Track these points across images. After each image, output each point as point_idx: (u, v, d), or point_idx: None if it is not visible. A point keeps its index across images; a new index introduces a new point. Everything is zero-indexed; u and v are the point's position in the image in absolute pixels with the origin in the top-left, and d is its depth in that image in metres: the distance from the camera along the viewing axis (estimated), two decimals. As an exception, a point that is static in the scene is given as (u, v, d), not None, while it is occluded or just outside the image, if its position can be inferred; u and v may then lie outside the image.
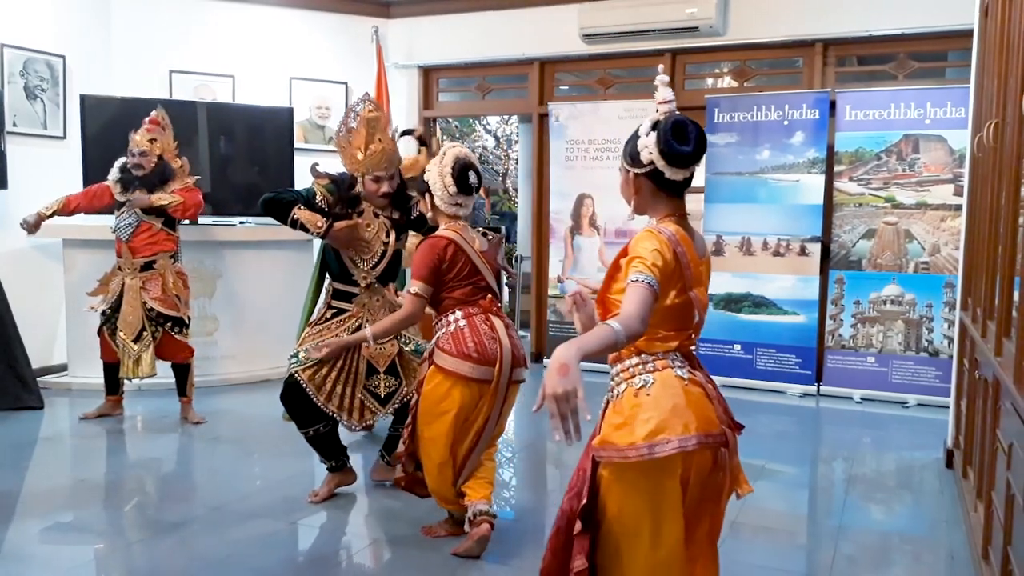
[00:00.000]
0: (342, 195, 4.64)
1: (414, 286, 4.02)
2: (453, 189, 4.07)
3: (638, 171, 2.47)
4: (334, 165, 4.83)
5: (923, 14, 7.31)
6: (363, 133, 4.54)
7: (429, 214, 4.24)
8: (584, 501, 2.41)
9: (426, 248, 4.09)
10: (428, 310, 4.22)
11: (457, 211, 4.16)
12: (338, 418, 4.62)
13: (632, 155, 2.48)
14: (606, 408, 2.48)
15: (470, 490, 4.14)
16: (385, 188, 4.61)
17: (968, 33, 5.63)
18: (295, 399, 4.58)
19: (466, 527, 4.13)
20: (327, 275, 4.83)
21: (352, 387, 4.62)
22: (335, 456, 4.87)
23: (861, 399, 7.42)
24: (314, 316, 4.80)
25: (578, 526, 2.41)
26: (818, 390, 7.64)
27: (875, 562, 4.23)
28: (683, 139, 2.39)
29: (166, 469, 5.39)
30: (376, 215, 4.70)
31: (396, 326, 4.14)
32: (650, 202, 2.52)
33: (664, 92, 2.47)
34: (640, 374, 2.41)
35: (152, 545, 4.24)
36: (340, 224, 4.55)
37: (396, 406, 4.71)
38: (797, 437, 6.39)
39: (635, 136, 2.49)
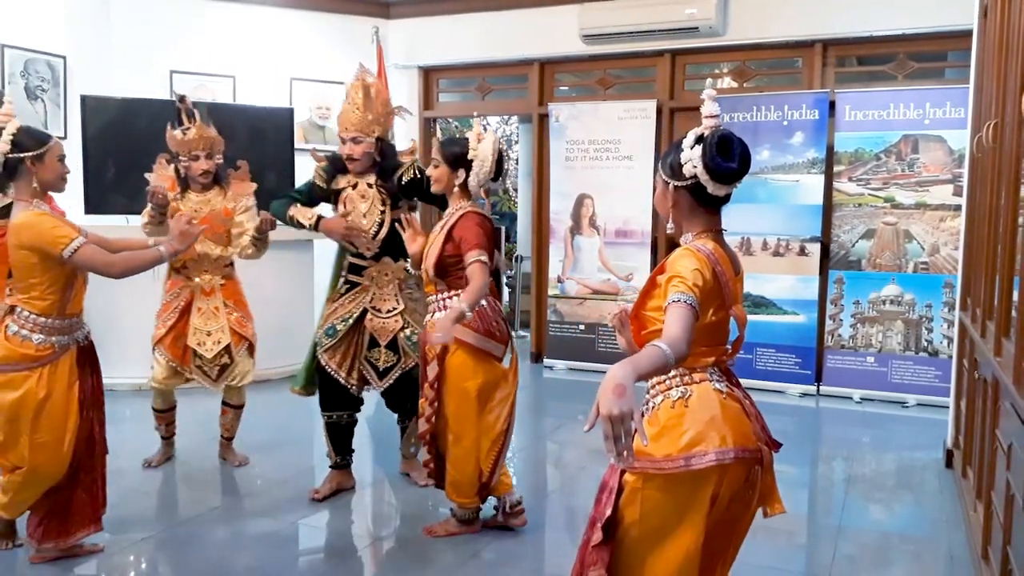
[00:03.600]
0: (335, 168, 4.80)
1: (481, 255, 3.99)
2: (492, 175, 4.13)
3: (678, 184, 2.43)
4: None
5: (923, 14, 7.31)
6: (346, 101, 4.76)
7: (455, 189, 4.18)
8: (609, 512, 2.38)
9: (478, 220, 4.11)
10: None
11: (480, 193, 4.23)
12: (344, 382, 4.79)
13: (673, 167, 2.44)
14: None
15: (499, 483, 4.29)
16: (346, 151, 4.69)
17: (968, 33, 5.63)
18: (322, 380, 4.86)
19: (500, 516, 4.35)
20: (344, 251, 4.97)
21: (354, 357, 4.81)
22: (342, 452, 4.97)
23: (861, 399, 7.42)
24: (332, 292, 4.95)
25: (598, 535, 2.39)
26: (818, 390, 7.64)
27: (875, 562, 4.23)
28: (728, 155, 2.36)
29: (165, 469, 5.39)
30: (370, 186, 4.77)
31: (478, 294, 3.94)
32: (687, 216, 2.48)
33: (711, 106, 2.42)
34: (677, 386, 2.39)
35: (151, 545, 4.25)
36: (328, 219, 4.70)
37: (391, 382, 4.81)
38: (797, 437, 6.39)
39: (677, 148, 2.44)
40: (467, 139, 4.16)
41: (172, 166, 5.29)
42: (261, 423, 6.37)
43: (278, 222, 4.90)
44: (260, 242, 5.21)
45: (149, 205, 4.98)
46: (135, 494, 4.95)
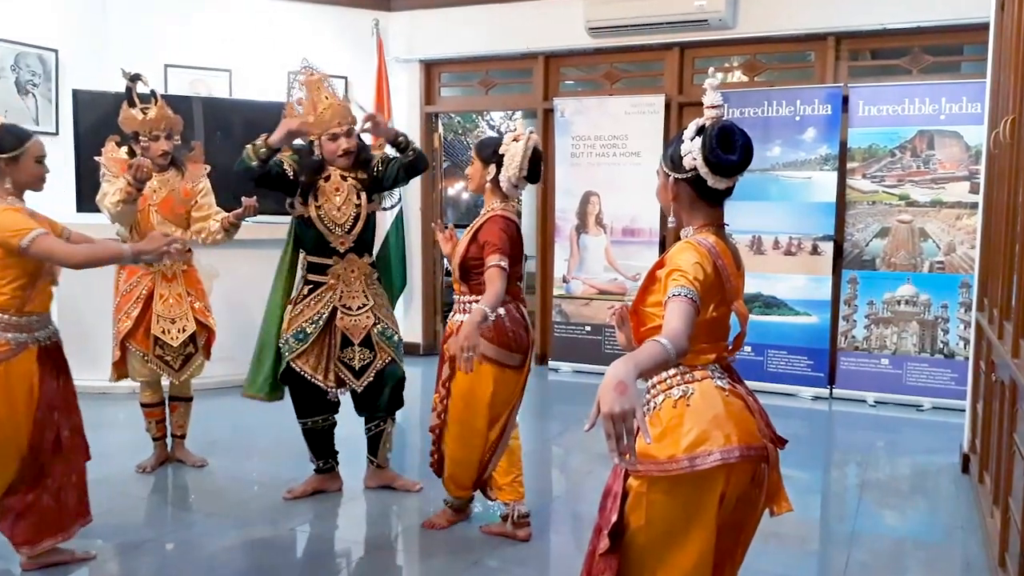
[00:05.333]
0: (305, 162, 4.76)
1: (501, 260, 4.03)
2: (525, 174, 4.20)
3: (679, 176, 2.44)
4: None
5: (938, 7, 7.30)
6: (310, 97, 4.77)
7: (487, 183, 4.26)
8: (615, 519, 2.38)
9: (503, 224, 4.16)
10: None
11: (513, 193, 4.29)
12: (323, 385, 4.77)
13: (673, 159, 2.45)
14: None
15: (509, 488, 4.34)
16: (344, 144, 4.71)
17: (984, 26, 5.63)
18: (295, 388, 4.85)
19: (508, 526, 4.37)
20: (301, 251, 4.92)
21: (329, 359, 4.79)
22: (324, 456, 5.03)
23: (875, 402, 7.42)
24: (293, 294, 4.89)
25: (605, 543, 2.38)
26: (831, 393, 7.64)
27: (889, 569, 4.24)
28: (729, 147, 2.35)
29: (161, 474, 5.40)
30: (344, 178, 4.78)
31: (497, 299, 3.96)
32: (688, 209, 2.49)
33: (713, 96, 2.43)
34: (678, 385, 2.39)
35: (146, 552, 4.27)
36: (280, 129, 4.61)
37: (370, 379, 4.83)
38: (809, 441, 6.40)
39: (678, 139, 2.45)
40: (502, 137, 4.25)
41: (123, 148, 5.21)
42: (259, 426, 6.39)
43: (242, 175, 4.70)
44: (233, 227, 5.22)
45: (125, 180, 4.81)
46: (129, 500, 4.97)
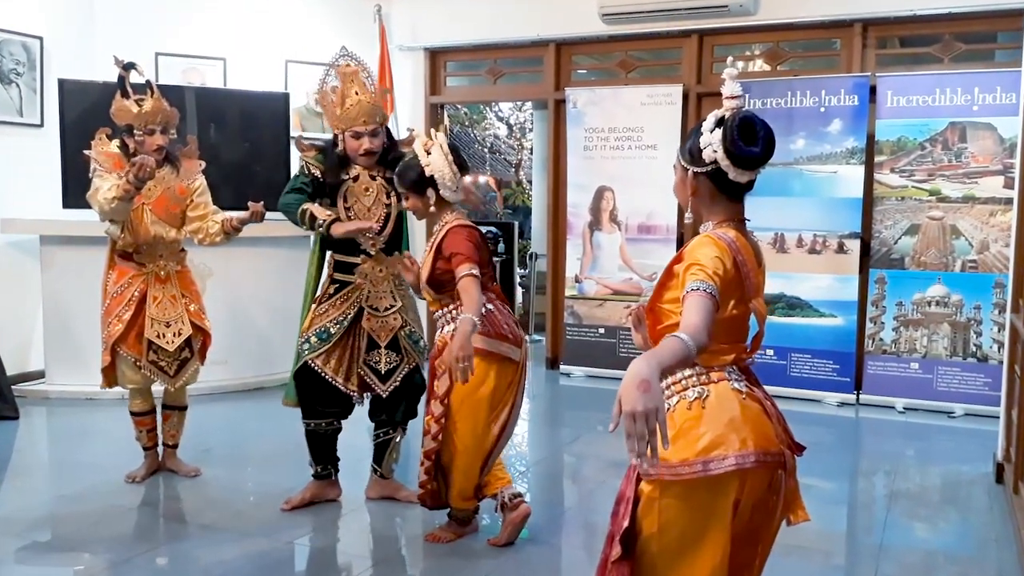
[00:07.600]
0: (329, 159, 4.75)
1: (472, 269, 4.08)
2: (459, 173, 4.27)
3: (698, 170, 2.45)
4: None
5: (971, -8, 7.30)
6: (340, 88, 4.72)
7: (432, 209, 4.33)
8: (627, 525, 2.39)
9: (466, 233, 4.23)
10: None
11: (458, 196, 4.35)
12: (343, 388, 4.77)
13: (692, 152, 2.46)
14: None
15: (493, 479, 4.39)
16: (366, 144, 4.68)
17: (1019, 12, 5.63)
18: (308, 386, 4.82)
19: (503, 513, 4.40)
20: (327, 249, 4.93)
21: (353, 362, 4.81)
22: (324, 462, 5.01)
23: (904, 408, 7.41)
24: (318, 293, 4.90)
25: (617, 550, 2.39)
26: (857, 399, 7.63)
27: (919, 584, 4.24)
28: (751, 139, 2.37)
29: (152, 484, 5.41)
30: (373, 177, 4.79)
31: (476, 305, 4.03)
32: (708, 204, 2.50)
33: (732, 87, 2.43)
34: (694, 386, 2.40)
35: (137, 566, 4.27)
36: (339, 226, 4.58)
37: (397, 384, 4.84)
38: (835, 449, 6.39)
39: (696, 132, 2.46)
40: (415, 158, 4.30)
41: (114, 141, 5.20)
42: (256, 434, 6.41)
43: (288, 219, 4.78)
44: (235, 231, 5.22)
45: (124, 177, 4.77)
46: (118, 512, 4.98)
